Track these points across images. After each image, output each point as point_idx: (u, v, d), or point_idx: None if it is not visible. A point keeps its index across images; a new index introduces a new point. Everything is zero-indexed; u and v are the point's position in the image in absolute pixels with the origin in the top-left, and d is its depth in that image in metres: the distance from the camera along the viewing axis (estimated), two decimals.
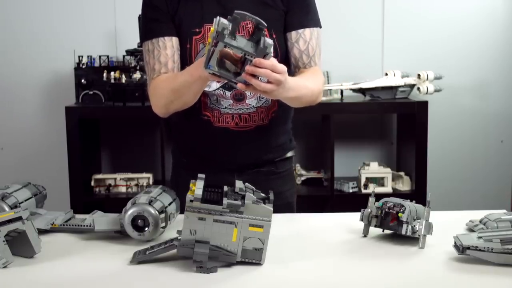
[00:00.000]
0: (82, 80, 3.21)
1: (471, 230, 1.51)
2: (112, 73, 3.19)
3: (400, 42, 3.55)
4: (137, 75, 3.17)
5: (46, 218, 1.53)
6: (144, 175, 3.28)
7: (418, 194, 3.13)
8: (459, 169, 3.64)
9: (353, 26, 3.53)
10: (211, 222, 1.25)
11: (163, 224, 1.42)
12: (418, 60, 3.51)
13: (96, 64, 3.27)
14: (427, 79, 3.26)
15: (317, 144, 3.50)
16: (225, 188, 1.30)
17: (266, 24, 1.40)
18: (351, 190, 3.29)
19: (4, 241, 1.26)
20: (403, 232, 1.41)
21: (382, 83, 3.26)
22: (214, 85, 1.71)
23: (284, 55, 1.75)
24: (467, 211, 1.70)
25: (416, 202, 1.47)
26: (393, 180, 3.33)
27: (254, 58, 1.38)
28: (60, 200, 3.10)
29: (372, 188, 2.93)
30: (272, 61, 1.42)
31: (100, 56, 3.27)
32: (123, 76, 3.19)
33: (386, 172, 3.30)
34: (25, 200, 1.53)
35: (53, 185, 2.82)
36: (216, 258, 1.26)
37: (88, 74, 3.22)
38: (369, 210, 1.47)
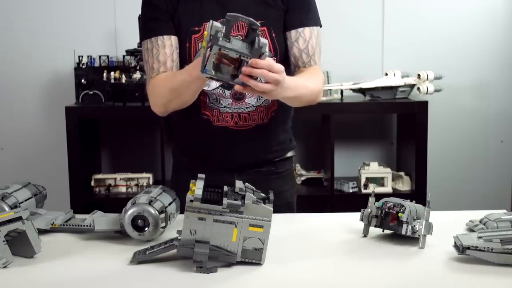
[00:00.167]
0: (82, 80, 3.21)
1: (471, 230, 1.51)
2: (112, 73, 3.19)
3: (400, 42, 3.55)
4: (137, 75, 3.18)
5: (46, 218, 1.53)
6: (144, 175, 3.28)
7: (418, 194, 3.13)
8: (459, 169, 3.64)
9: (353, 26, 3.53)
10: (211, 222, 1.25)
11: (163, 224, 1.42)
12: (418, 60, 3.51)
13: (96, 64, 3.27)
14: (427, 79, 3.26)
15: (317, 144, 3.50)
16: (225, 188, 1.30)
17: (259, 24, 1.40)
18: (351, 190, 3.29)
19: (4, 241, 1.26)
20: (403, 232, 1.41)
21: (382, 83, 3.26)
22: (214, 84, 1.71)
23: (283, 55, 1.75)
24: (467, 211, 1.70)
25: (416, 202, 1.47)
26: (393, 180, 3.33)
27: (250, 59, 1.38)
28: (60, 200, 3.10)
29: (372, 188, 2.93)
30: (269, 61, 1.41)
31: (100, 56, 3.27)
32: (123, 76, 3.19)
33: (386, 172, 3.30)
34: (25, 200, 1.53)
35: (53, 185, 2.82)
36: (216, 258, 1.26)
37: (88, 74, 3.22)
38: (369, 210, 1.47)
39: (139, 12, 1.82)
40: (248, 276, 1.24)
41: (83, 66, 3.24)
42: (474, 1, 3.56)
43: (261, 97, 1.73)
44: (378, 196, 1.48)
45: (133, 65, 3.23)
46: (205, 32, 1.37)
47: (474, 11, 3.56)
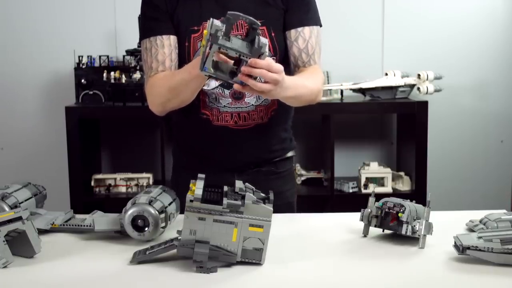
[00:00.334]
0: (82, 80, 3.21)
1: (471, 230, 1.51)
2: (112, 73, 3.19)
3: (400, 42, 3.55)
4: (137, 75, 3.18)
5: (46, 218, 1.53)
6: (144, 175, 3.28)
7: (418, 194, 3.13)
8: (459, 169, 3.64)
9: (353, 26, 3.53)
10: (211, 222, 1.25)
11: (163, 224, 1.41)
12: (418, 60, 3.51)
13: (96, 64, 3.27)
14: (427, 79, 3.26)
15: (317, 144, 3.50)
16: (225, 188, 1.30)
17: (260, 24, 1.39)
18: (351, 190, 3.29)
19: (4, 241, 1.26)
20: (403, 232, 1.41)
21: (382, 83, 3.26)
22: (213, 84, 1.71)
23: (283, 54, 1.74)
24: (467, 211, 1.70)
25: (416, 202, 1.47)
26: (393, 180, 3.33)
27: (249, 58, 1.38)
28: (60, 200, 3.10)
29: (372, 188, 2.93)
30: (268, 61, 1.41)
31: (100, 56, 3.27)
32: (123, 76, 3.19)
33: (386, 172, 3.30)
34: (25, 200, 1.52)
35: (53, 185, 2.82)
36: (216, 258, 1.26)
37: (88, 74, 3.22)
38: (369, 210, 1.47)
39: (139, 12, 1.82)
40: (248, 276, 1.24)
41: (83, 66, 3.24)
42: (474, 1, 3.56)
43: (261, 97, 1.73)
44: (378, 196, 1.48)
45: (133, 65, 3.23)
46: (205, 31, 1.37)
47: (474, 11, 3.56)
